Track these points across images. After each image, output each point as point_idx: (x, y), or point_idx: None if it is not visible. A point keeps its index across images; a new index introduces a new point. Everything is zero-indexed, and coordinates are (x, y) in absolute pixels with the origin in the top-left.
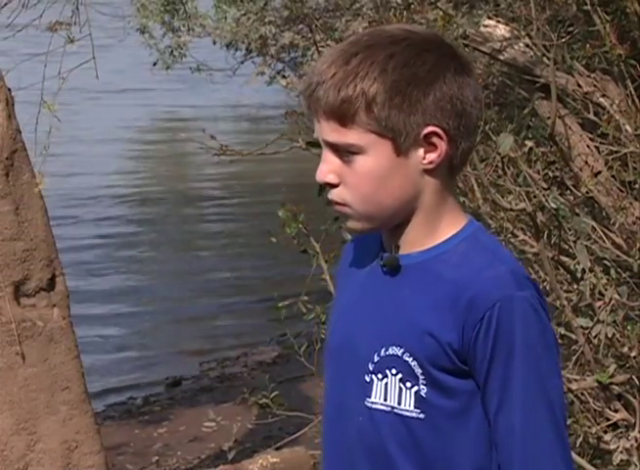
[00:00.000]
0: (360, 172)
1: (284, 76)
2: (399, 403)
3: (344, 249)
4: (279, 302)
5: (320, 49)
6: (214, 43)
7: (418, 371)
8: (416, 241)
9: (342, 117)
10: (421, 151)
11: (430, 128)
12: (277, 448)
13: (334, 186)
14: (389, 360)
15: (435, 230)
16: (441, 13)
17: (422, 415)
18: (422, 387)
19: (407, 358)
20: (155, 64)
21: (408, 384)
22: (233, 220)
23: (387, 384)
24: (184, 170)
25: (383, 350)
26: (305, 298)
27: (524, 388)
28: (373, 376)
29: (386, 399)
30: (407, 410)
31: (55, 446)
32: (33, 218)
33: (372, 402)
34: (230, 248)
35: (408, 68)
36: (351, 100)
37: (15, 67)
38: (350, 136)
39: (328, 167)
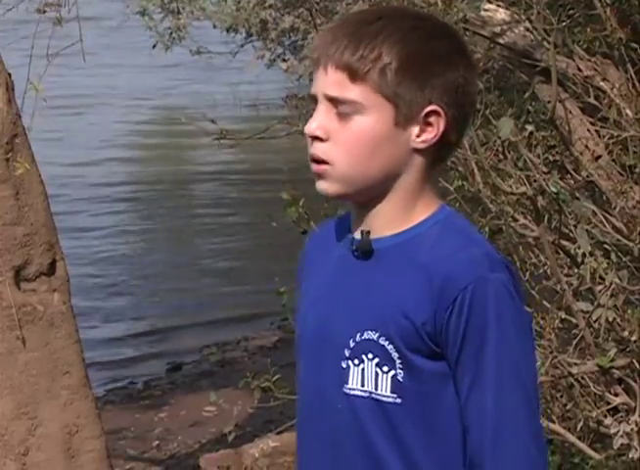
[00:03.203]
0: (355, 132)
1: (284, 60)
2: (376, 388)
3: (307, 241)
4: (280, 286)
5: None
6: (214, 27)
7: (395, 355)
8: (389, 224)
9: (355, 72)
10: (417, 128)
11: (433, 107)
12: (278, 433)
13: (321, 141)
14: (365, 345)
15: (410, 214)
16: None
17: (399, 400)
18: (399, 371)
19: (383, 342)
20: (154, 46)
21: (385, 368)
22: (233, 205)
23: (363, 369)
24: (183, 156)
25: (358, 335)
26: None
27: (496, 369)
28: (349, 362)
29: (363, 385)
30: (384, 395)
31: (55, 430)
32: (34, 203)
33: (350, 389)
34: (230, 233)
35: (431, 42)
36: (368, 58)
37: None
38: (355, 93)
39: (319, 121)
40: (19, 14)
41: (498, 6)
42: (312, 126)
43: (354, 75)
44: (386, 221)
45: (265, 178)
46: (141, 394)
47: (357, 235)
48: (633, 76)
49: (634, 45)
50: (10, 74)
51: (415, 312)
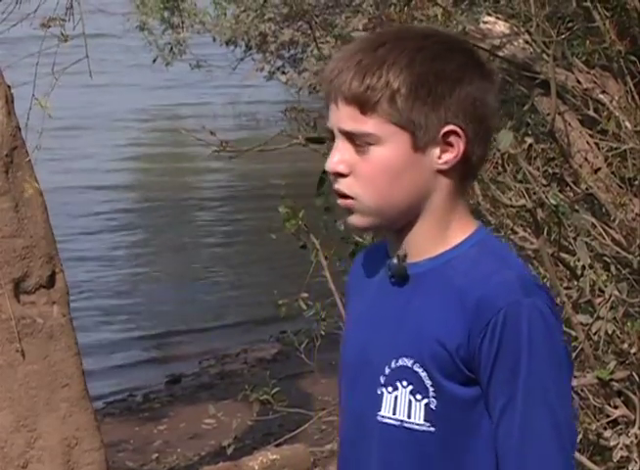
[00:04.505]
0: (375, 164)
1: (283, 73)
2: (409, 417)
3: (355, 259)
4: (279, 299)
5: (320, 46)
6: (214, 40)
7: (428, 382)
8: (424, 248)
9: (364, 104)
10: (437, 150)
11: (450, 127)
12: (277, 445)
13: (343, 176)
14: (400, 372)
15: (445, 236)
16: (441, 9)
17: (432, 428)
18: (432, 399)
19: (417, 369)
20: (154, 61)
21: (418, 396)
22: (233, 218)
23: (396, 397)
24: (183, 168)
25: (394, 362)
26: (305, 294)
27: (525, 395)
28: (383, 389)
29: (394, 413)
30: (417, 424)
31: (55, 443)
32: (33, 215)
33: (382, 416)
34: (229, 245)
35: (436, 62)
36: (376, 88)
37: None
38: (369, 125)
39: (340, 156)
40: (23, 30)
41: (497, 18)
42: (333, 162)
43: (365, 107)
44: (421, 245)
45: (265, 192)
46: (140, 406)
47: (394, 260)
48: (632, 89)
49: (633, 57)
50: (10, 87)
51: (449, 337)
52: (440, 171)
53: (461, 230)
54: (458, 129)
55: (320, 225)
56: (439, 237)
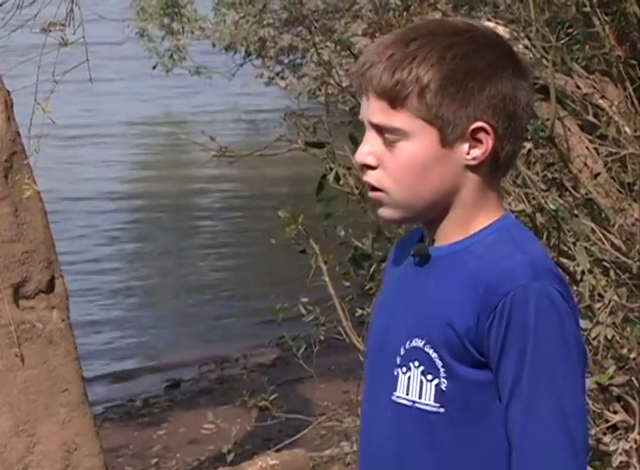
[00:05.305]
0: (402, 158)
1: (283, 78)
2: (420, 397)
3: (392, 248)
4: (278, 303)
5: (319, 51)
6: (214, 46)
7: (438, 363)
8: (448, 234)
9: (394, 98)
10: (466, 145)
11: (479, 123)
12: (276, 451)
13: (372, 168)
14: (413, 353)
15: (469, 224)
16: (441, 14)
17: (442, 409)
18: (442, 380)
19: (428, 350)
20: (154, 67)
21: (429, 376)
22: (232, 222)
23: (409, 377)
24: (182, 173)
25: (408, 342)
26: (305, 299)
27: (530, 383)
28: (399, 370)
29: (408, 393)
30: (427, 404)
31: (54, 448)
32: (32, 220)
33: (397, 397)
34: (229, 250)
35: (467, 59)
36: (405, 83)
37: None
38: (398, 119)
39: (369, 149)
40: (24, 38)
41: (497, 24)
42: (362, 154)
43: (394, 102)
44: (446, 233)
45: (265, 198)
46: (140, 411)
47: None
48: (632, 94)
49: (633, 62)
50: (9, 92)
51: (459, 320)
52: (469, 167)
53: (486, 218)
54: (487, 126)
55: (319, 230)
56: (464, 225)
